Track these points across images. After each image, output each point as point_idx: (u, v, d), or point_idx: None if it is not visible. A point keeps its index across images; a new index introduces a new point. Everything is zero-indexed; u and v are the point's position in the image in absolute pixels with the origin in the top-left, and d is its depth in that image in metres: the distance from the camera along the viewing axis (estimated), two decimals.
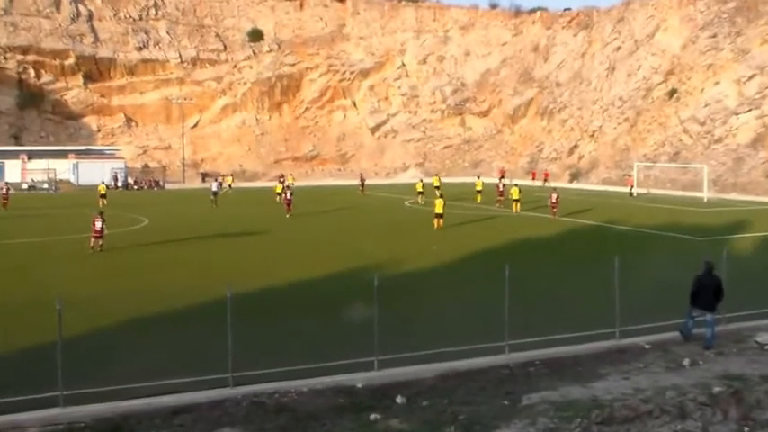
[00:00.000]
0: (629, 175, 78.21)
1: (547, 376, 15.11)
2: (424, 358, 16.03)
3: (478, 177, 70.40)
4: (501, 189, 60.10)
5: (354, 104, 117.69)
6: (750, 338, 17.65)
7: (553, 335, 17.90)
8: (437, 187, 67.10)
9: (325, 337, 18.30)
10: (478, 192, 63.23)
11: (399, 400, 13.76)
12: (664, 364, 15.74)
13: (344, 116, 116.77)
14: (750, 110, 79.81)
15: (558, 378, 14.87)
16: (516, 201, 53.52)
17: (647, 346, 17.12)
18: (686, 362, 15.79)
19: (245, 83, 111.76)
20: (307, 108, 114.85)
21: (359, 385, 14.68)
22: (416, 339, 17.75)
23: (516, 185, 56.55)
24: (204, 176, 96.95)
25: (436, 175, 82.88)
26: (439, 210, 43.04)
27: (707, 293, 17.35)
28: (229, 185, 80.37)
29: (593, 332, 18.12)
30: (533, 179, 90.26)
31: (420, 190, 63.49)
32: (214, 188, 61.75)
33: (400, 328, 18.47)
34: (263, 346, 17.48)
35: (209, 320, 18.80)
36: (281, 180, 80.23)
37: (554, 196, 49.85)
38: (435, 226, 42.62)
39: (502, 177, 75.77)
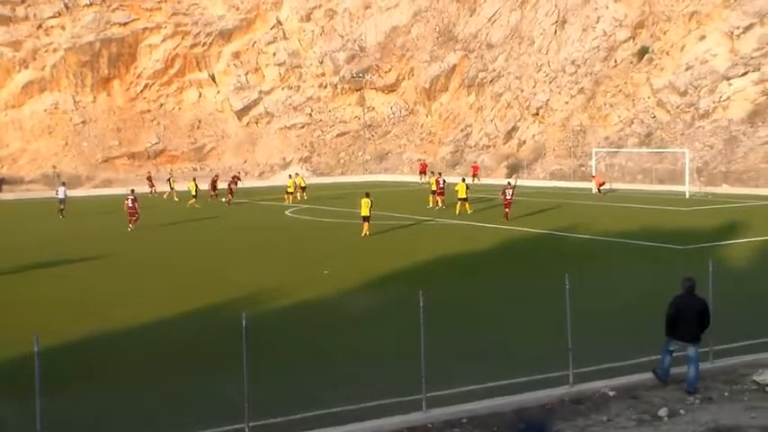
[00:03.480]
0: (593, 176, 78.10)
1: None
2: (314, 421, 16.00)
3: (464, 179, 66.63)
4: (441, 186, 60.89)
5: (213, 79, 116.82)
6: (746, 378, 18.04)
7: (485, 383, 18.08)
8: (303, 188, 72.66)
9: (174, 403, 18.03)
10: (463, 200, 57.21)
11: None
12: (634, 416, 16.02)
13: (200, 95, 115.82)
14: (746, 72, 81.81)
15: None
16: (464, 200, 56.15)
17: (610, 393, 17.38)
18: (663, 412, 16.10)
19: (55, 50, 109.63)
20: (146, 85, 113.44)
21: None
22: (302, 396, 17.76)
23: (464, 180, 59.18)
24: (0, 184, 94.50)
25: (297, 174, 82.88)
26: (366, 211, 45.77)
27: (688, 321, 17.62)
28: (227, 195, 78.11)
29: (539, 377, 18.33)
30: (421, 174, 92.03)
31: (290, 189, 70.35)
32: (60, 195, 63.88)
33: (280, 382, 18.50)
34: (87, 422, 17.12)
35: (8, 388, 18.44)
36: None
37: (508, 192, 51.98)
38: (364, 232, 45.69)
39: (428, 172, 76.85)
